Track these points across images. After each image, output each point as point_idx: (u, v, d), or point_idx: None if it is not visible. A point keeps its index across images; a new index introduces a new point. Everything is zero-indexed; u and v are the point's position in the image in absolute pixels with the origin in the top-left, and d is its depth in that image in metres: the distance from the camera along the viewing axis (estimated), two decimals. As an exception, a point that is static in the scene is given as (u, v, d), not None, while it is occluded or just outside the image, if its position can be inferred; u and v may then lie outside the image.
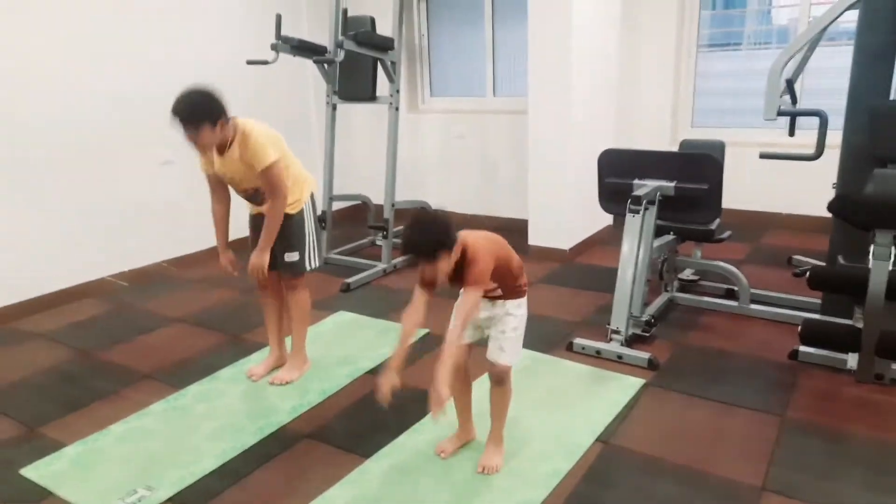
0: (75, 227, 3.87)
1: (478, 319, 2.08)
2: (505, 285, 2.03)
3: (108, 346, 3.27)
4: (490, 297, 2.05)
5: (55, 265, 3.82)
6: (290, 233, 2.63)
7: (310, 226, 2.70)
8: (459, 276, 1.91)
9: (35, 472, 2.24)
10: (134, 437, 2.44)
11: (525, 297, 2.11)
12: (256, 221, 2.67)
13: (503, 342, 2.07)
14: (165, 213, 4.31)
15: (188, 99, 2.33)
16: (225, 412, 2.58)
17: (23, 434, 2.50)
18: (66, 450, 2.36)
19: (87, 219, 3.93)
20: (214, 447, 2.34)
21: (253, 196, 2.61)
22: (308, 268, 2.71)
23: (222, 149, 2.47)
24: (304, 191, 2.69)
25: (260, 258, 2.55)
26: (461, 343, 2.00)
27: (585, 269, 4.16)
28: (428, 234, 1.82)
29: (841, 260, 2.88)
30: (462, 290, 1.97)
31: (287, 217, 2.60)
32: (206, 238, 4.38)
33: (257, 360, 2.96)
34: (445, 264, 1.84)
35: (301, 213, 2.66)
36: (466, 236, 1.92)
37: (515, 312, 2.07)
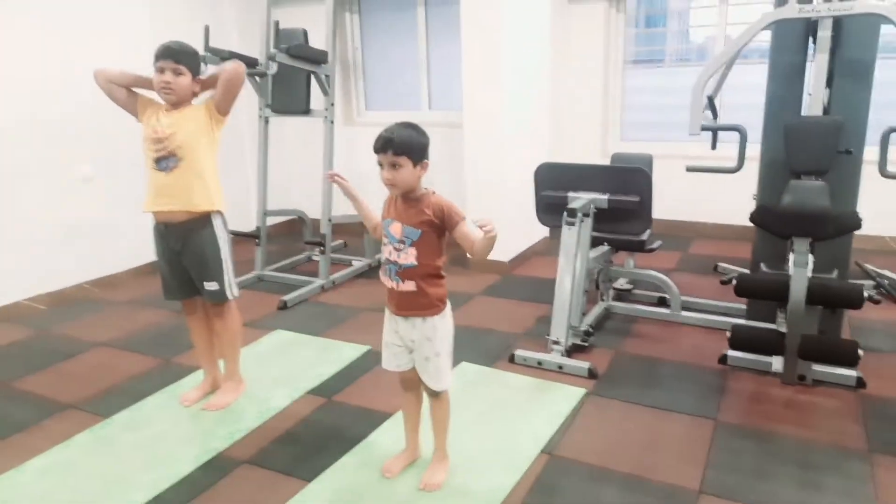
0: (-14, 248, 3.62)
1: (408, 341, 2.03)
2: (430, 277, 1.96)
3: (26, 374, 3.05)
4: (415, 314, 1.99)
5: (-37, 289, 3.55)
6: (205, 256, 2.49)
7: (225, 250, 2.54)
8: (407, 210, 1.94)
9: (-57, 516, 2.07)
10: (56, 471, 2.28)
11: (447, 307, 2.03)
12: (167, 236, 2.50)
13: (438, 365, 2.02)
14: (86, 232, 4.08)
15: (180, 42, 2.43)
16: (156, 440, 2.45)
17: (-72, 475, 2.29)
18: (-22, 490, 2.18)
19: (1, 239, 3.68)
20: (146, 478, 2.21)
21: (169, 157, 2.40)
22: (230, 297, 2.57)
23: (177, 107, 2.44)
24: (221, 199, 2.53)
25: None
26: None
27: (525, 280, 4.22)
28: (411, 133, 1.89)
29: (763, 267, 3.03)
30: (456, 231, 1.97)
31: (199, 231, 2.46)
32: (130, 258, 4.19)
33: (190, 385, 2.83)
34: (409, 174, 1.89)
35: (213, 229, 2.49)
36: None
37: (433, 337, 1.99)
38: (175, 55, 2.37)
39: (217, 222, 2.52)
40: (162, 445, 2.41)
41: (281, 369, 3.00)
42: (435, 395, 2.10)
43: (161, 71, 2.37)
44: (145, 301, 3.96)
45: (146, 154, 2.45)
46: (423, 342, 2.00)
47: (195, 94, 2.48)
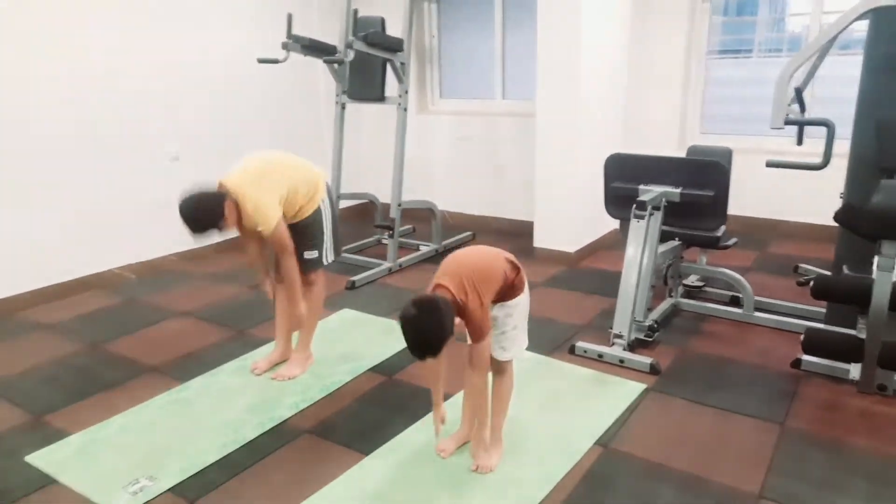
0: (84, 219, 3.92)
1: None
2: (502, 295, 2.05)
3: (115, 338, 3.30)
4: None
5: (64, 256, 3.86)
6: (308, 233, 2.71)
7: (327, 222, 2.77)
8: (460, 315, 1.91)
9: (40, 459, 2.27)
10: (137, 428, 2.46)
11: (522, 293, 2.12)
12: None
13: (503, 342, 2.12)
14: (174, 207, 4.32)
15: (192, 212, 2.45)
16: (227, 406, 2.60)
17: (28, 422, 2.53)
18: (70, 438, 2.39)
19: (96, 212, 3.97)
20: (216, 440, 2.36)
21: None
22: (325, 262, 2.80)
23: (241, 221, 2.57)
24: (318, 192, 2.72)
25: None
26: (485, 386, 2.05)
27: (590, 272, 4.17)
28: (429, 336, 1.79)
29: (846, 270, 2.87)
30: (469, 342, 1.97)
31: (304, 219, 2.68)
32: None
33: (261, 355, 2.99)
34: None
35: (317, 211, 2.72)
36: (454, 287, 1.87)
37: (513, 312, 2.10)
38: (197, 232, 2.48)
39: (323, 205, 2.73)
40: (232, 411, 2.56)
41: (346, 346, 3.11)
42: (500, 370, 2.15)
43: None
44: (225, 275, 4.18)
45: None
46: (505, 319, 2.09)
47: (230, 215, 2.50)
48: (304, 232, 2.69)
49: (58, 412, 2.59)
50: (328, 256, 2.82)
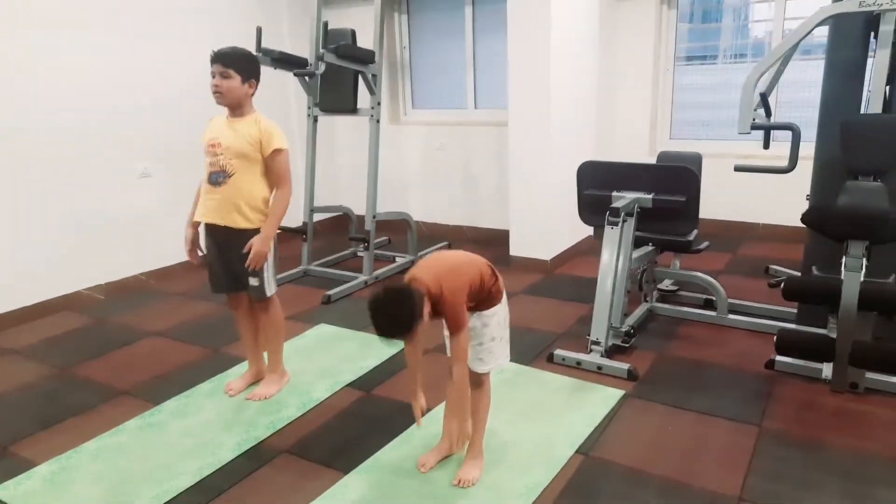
0: (50, 239, 3.82)
1: None
2: (479, 300, 2.04)
3: (84, 361, 3.21)
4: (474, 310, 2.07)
5: (31, 278, 3.76)
6: (248, 255, 2.53)
7: (271, 252, 2.61)
8: (437, 311, 1.91)
9: (5, 492, 2.19)
10: (109, 454, 2.39)
11: (500, 304, 2.11)
12: (214, 236, 2.62)
13: (481, 353, 2.10)
14: (143, 225, 4.26)
15: (234, 47, 2.48)
16: (202, 428, 2.54)
17: (-6, 452, 2.45)
18: (38, 468, 2.31)
19: (63, 231, 3.88)
20: (191, 464, 2.30)
21: (220, 172, 2.50)
22: (268, 293, 2.66)
23: (235, 113, 2.52)
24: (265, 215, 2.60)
25: (263, 246, 2.52)
26: (466, 380, 2.03)
27: (566, 279, 4.18)
28: (398, 318, 1.81)
29: (815, 270, 2.92)
30: (446, 333, 1.99)
31: (244, 234, 2.53)
32: (183, 251, 4.35)
33: (236, 375, 2.93)
34: (420, 330, 1.85)
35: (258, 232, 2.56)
36: (429, 280, 1.88)
37: (490, 322, 2.08)
38: (223, 59, 2.44)
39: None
40: (207, 433, 2.50)
41: (323, 362, 3.07)
42: (477, 383, 2.13)
43: (212, 75, 2.45)
44: (196, 293, 4.10)
45: (204, 165, 2.56)
46: (482, 329, 2.07)
47: (249, 96, 2.53)
48: (242, 257, 2.52)
49: (24, 440, 2.51)
50: (270, 288, 2.65)
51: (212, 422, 2.59)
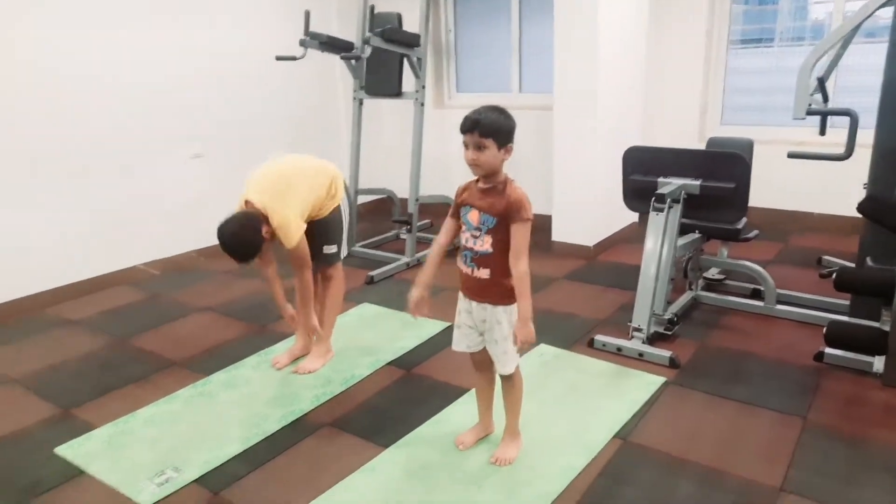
0: (108, 217, 3.99)
1: (479, 322, 2.08)
2: (505, 265, 1.95)
3: (139, 333, 3.36)
4: (484, 301, 2.04)
5: (89, 253, 3.94)
6: (328, 229, 2.76)
7: (345, 219, 2.84)
8: (484, 198, 1.95)
9: (68, 451, 2.33)
10: (162, 420, 2.52)
11: (515, 304, 2.01)
12: None
13: (506, 348, 2.04)
14: (195, 204, 4.40)
15: (236, 250, 2.48)
16: (249, 399, 2.64)
17: (57, 415, 2.59)
18: (97, 431, 2.45)
19: (121, 209, 4.04)
20: (238, 433, 2.40)
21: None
22: (341, 256, 2.86)
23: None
24: (339, 190, 2.78)
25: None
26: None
27: (609, 266, 4.15)
28: (499, 116, 1.89)
29: (870, 262, 2.83)
30: (512, 228, 1.95)
31: (325, 217, 2.74)
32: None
33: (282, 350, 3.03)
34: (492, 157, 1.89)
35: (337, 209, 2.78)
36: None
37: (503, 321, 2.02)
38: (241, 261, 2.52)
39: (343, 203, 2.81)
40: (254, 404, 2.60)
41: (366, 341, 3.14)
42: (506, 378, 2.14)
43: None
44: (243, 272, 4.22)
45: None
46: (494, 325, 2.04)
47: (268, 242, 2.58)
48: (325, 229, 2.75)
49: (85, 405, 2.65)
50: (344, 250, 2.89)
51: (258, 394, 2.69)
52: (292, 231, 2.54)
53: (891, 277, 2.42)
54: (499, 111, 1.92)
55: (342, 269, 2.90)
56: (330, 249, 2.80)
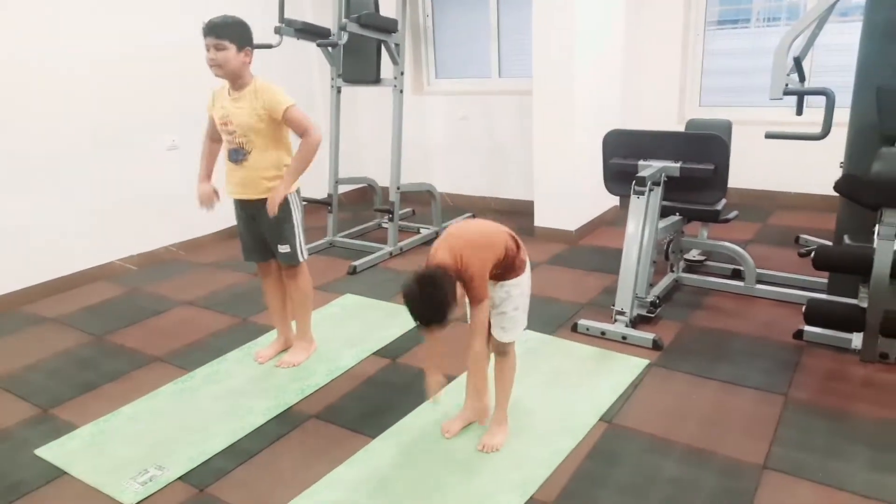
0: (85, 211, 3.91)
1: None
2: (503, 270, 2.04)
3: (119, 329, 3.31)
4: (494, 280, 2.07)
5: (67, 249, 3.87)
6: (279, 221, 2.59)
7: (297, 216, 2.65)
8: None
9: (49, 452, 2.29)
10: (144, 417, 2.48)
11: (523, 274, 2.09)
12: (244, 208, 2.67)
13: (504, 322, 2.11)
14: (172, 197, 4.33)
15: (224, 16, 2.43)
16: (233, 394, 2.62)
17: (37, 415, 2.55)
18: (78, 430, 2.41)
19: (96, 204, 3.97)
20: (223, 427, 2.38)
21: (238, 150, 2.54)
22: (300, 259, 2.70)
23: (236, 85, 2.50)
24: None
25: (284, 189, 2.54)
26: (483, 352, 2.04)
27: (591, 250, 4.16)
28: (435, 306, 1.82)
29: (847, 240, 2.87)
30: (468, 305, 1.98)
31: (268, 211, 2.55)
32: (212, 223, 4.42)
33: (265, 343, 3.00)
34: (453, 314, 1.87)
35: (287, 202, 2.59)
36: (454, 255, 1.90)
37: (513, 292, 2.08)
38: (216, 30, 2.39)
39: (290, 196, 2.61)
40: (238, 398, 2.58)
41: (350, 331, 3.12)
42: (503, 352, 2.15)
43: (207, 49, 2.41)
44: (225, 263, 4.18)
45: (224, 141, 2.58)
46: (505, 299, 2.07)
47: (247, 65, 2.49)
48: (273, 224, 2.59)
49: (65, 404, 2.61)
50: (303, 253, 2.70)
51: (242, 388, 2.66)
52: (283, 92, 2.55)
53: (868, 255, 2.45)
54: (427, 302, 1.84)
55: (307, 270, 2.77)
56: (283, 248, 2.64)
